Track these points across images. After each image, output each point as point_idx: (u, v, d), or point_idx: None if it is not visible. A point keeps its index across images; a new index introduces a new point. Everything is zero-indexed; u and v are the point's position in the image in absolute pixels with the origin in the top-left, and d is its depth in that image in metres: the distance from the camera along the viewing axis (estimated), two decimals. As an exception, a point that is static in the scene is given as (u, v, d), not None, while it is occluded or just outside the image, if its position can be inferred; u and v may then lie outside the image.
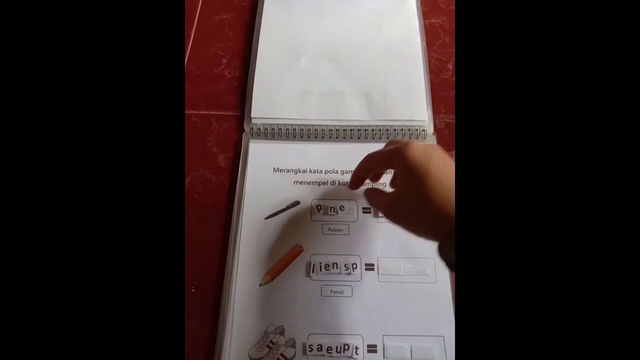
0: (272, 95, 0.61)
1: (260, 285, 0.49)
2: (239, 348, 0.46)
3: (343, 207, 0.53)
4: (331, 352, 0.45)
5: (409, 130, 0.58)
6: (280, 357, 0.46)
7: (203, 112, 0.61)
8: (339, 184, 0.55)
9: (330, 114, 0.60)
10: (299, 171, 0.56)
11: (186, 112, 0.61)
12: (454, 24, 0.69)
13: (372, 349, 0.46)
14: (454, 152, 0.41)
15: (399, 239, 0.50)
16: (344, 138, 0.59)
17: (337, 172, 0.55)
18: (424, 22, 0.69)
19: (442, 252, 0.36)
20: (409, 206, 0.39)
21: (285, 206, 0.53)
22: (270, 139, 0.58)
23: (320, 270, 0.49)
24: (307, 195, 0.54)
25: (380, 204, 0.44)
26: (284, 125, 0.59)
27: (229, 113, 0.61)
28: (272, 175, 0.56)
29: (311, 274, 0.49)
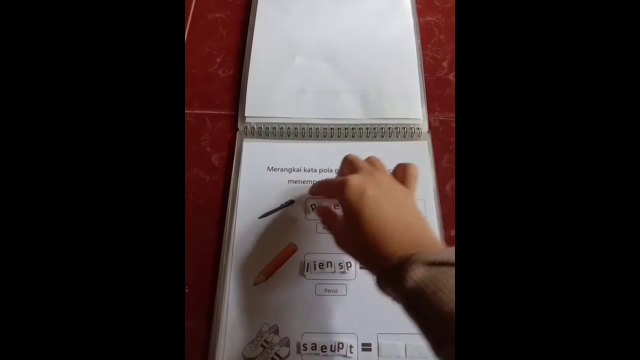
0: (266, 94, 0.61)
1: (255, 284, 0.49)
2: (233, 347, 0.46)
3: (337, 205, 0.53)
4: (325, 351, 0.45)
5: (404, 128, 0.58)
6: (275, 357, 0.45)
7: (197, 112, 0.61)
8: (334, 182, 0.55)
9: (325, 112, 0.60)
10: (294, 170, 0.56)
11: (180, 111, 0.61)
12: (449, 22, 0.69)
13: (366, 347, 0.46)
14: (404, 167, 0.44)
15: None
16: (339, 137, 0.58)
17: (331, 171, 0.55)
18: (419, 20, 0.68)
19: (379, 287, 0.37)
20: (352, 241, 0.40)
21: (279, 205, 0.53)
22: (265, 138, 0.58)
23: (315, 269, 0.49)
24: (301, 194, 0.53)
25: (331, 228, 0.45)
26: (278, 124, 0.59)
27: (222, 112, 0.61)
28: (266, 175, 0.55)
29: (305, 273, 0.49)
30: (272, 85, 0.62)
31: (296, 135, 0.58)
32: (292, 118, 0.59)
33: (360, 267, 0.48)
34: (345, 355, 0.45)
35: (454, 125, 0.60)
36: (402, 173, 0.45)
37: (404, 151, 0.57)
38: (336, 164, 0.52)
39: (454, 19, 0.69)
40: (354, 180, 0.40)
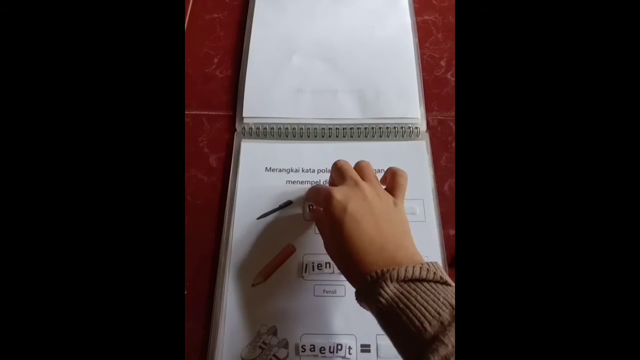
0: (264, 94, 0.61)
1: (253, 285, 0.49)
2: (232, 349, 0.46)
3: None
4: (324, 352, 0.45)
5: (402, 128, 0.58)
6: (273, 358, 0.45)
7: (194, 112, 0.61)
8: (332, 183, 0.54)
9: (322, 112, 0.60)
10: (292, 171, 0.55)
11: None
12: (446, 21, 0.68)
13: (365, 348, 0.46)
14: (393, 175, 0.45)
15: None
16: (337, 137, 0.58)
17: (329, 171, 0.55)
18: (417, 19, 0.68)
19: (357, 301, 0.39)
20: (334, 252, 0.42)
21: (277, 206, 0.53)
22: (262, 139, 0.58)
23: (313, 270, 0.49)
24: (299, 195, 0.53)
25: (321, 232, 0.46)
26: (276, 124, 0.59)
27: (220, 113, 0.61)
28: (264, 175, 0.55)
29: (304, 274, 0.49)
30: (270, 85, 0.62)
31: (294, 136, 0.58)
32: (289, 118, 0.59)
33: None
34: (344, 357, 0.45)
35: (452, 124, 0.60)
36: (391, 181, 0.45)
37: (402, 151, 0.57)
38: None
39: (451, 17, 0.69)
40: (338, 194, 0.41)
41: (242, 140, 0.58)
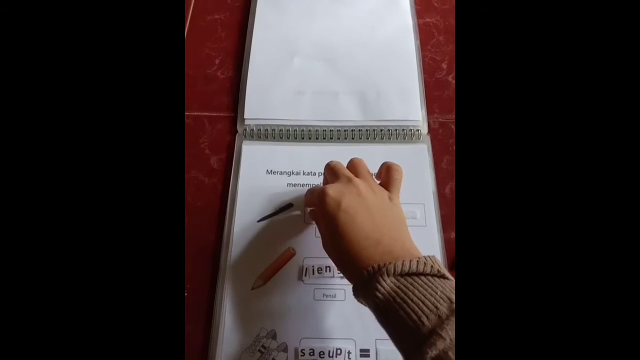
0: (265, 96, 0.61)
1: (252, 288, 0.49)
2: (231, 352, 0.46)
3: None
4: (323, 357, 0.45)
5: (403, 130, 0.58)
6: (272, 362, 0.45)
7: (195, 113, 0.61)
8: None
9: (323, 114, 0.60)
10: (292, 173, 0.55)
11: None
12: (448, 23, 0.68)
13: (364, 353, 0.46)
14: (387, 169, 0.44)
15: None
16: (338, 139, 0.58)
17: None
18: (418, 21, 0.68)
19: (354, 296, 0.39)
20: (331, 250, 0.42)
21: (278, 209, 0.53)
22: (264, 140, 0.58)
23: (313, 273, 0.49)
24: (300, 198, 0.53)
25: (321, 233, 0.45)
26: (277, 126, 0.59)
27: (221, 114, 0.61)
28: (265, 177, 0.55)
29: (304, 278, 0.49)
30: (271, 87, 0.62)
31: (295, 138, 0.58)
32: (290, 120, 0.59)
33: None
34: (343, 361, 0.45)
35: (453, 127, 0.59)
36: (386, 175, 0.45)
37: (404, 153, 0.57)
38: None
39: (452, 20, 0.68)
40: (331, 191, 0.41)
41: (244, 142, 0.58)
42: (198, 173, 0.57)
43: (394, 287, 0.34)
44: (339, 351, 0.45)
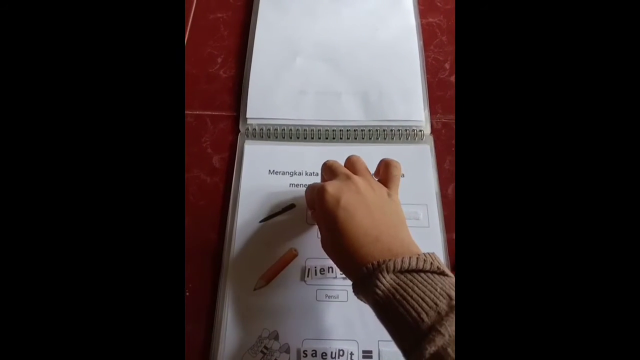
0: (267, 95, 0.61)
1: (255, 289, 0.48)
2: (233, 353, 0.46)
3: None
4: (326, 358, 0.45)
5: (406, 130, 0.58)
6: (274, 363, 0.45)
7: (198, 112, 0.61)
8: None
9: (326, 114, 0.60)
10: (295, 173, 0.55)
11: (180, 112, 0.61)
12: (450, 24, 0.68)
13: (367, 354, 0.45)
14: (386, 166, 0.44)
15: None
16: (340, 139, 0.58)
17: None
18: (421, 21, 0.68)
19: (354, 293, 0.39)
20: (330, 248, 0.42)
21: (280, 209, 0.53)
22: (266, 140, 0.58)
23: (316, 274, 0.49)
24: (302, 199, 0.53)
25: (320, 230, 0.45)
26: (280, 125, 0.58)
27: (224, 113, 0.61)
28: (267, 177, 0.55)
29: (306, 279, 0.49)
30: (274, 86, 0.61)
31: (297, 137, 0.58)
32: (293, 120, 0.59)
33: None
34: (345, 362, 0.45)
35: (456, 127, 0.59)
36: (384, 172, 0.45)
37: (406, 154, 0.56)
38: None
39: (456, 20, 0.68)
40: (330, 188, 0.40)
41: (246, 141, 0.57)
42: (200, 172, 0.56)
43: (394, 284, 0.34)
44: (341, 352, 0.45)
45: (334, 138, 0.58)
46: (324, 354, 0.45)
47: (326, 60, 0.64)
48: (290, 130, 0.58)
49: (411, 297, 0.33)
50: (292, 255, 0.50)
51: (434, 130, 0.59)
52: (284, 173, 0.55)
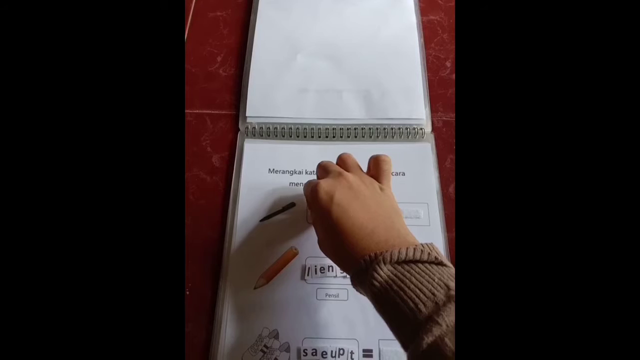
0: (267, 93, 0.61)
1: (255, 288, 0.48)
2: (233, 352, 0.45)
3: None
4: (326, 357, 0.45)
5: (407, 129, 0.58)
6: (274, 362, 0.45)
7: (197, 111, 0.61)
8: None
9: (326, 112, 0.59)
10: (295, 172, 0.55)
11: (180, 111, 0.60)
12: (452, 21, 0.68)
13: (367, 353, 0.45)
14: (376, 161, 0.45)
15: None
16: (341, 137, 0.58)
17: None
18: (422, 19, 0.68)
19: (353, 286, 0.39)
20: (326, 245, 0.42)
21: (280, 208, 0.53)
22: (266, 139, 0.58)
23: (316, 273, 0.49)
24: (302, 197, 0.53)
25: (316, 230, 0.45)
26: (280, 124, 0.58)
27: (223, 112, 0.61)
28: (267, 176, 0.55)
29: (306, 277, 0.49)
30: (274, 84, 0.61)
31: (298, 136, 0.58)
32: (293, 118, 0.59)
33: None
34: (346, 361, 0.45)
35: (457, 125, 0.59)
36: (375, 168, 0.45)
37: (407, 152, 0.56)
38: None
39: (458, 18, 0.68)
40: (323, 185, 0.41)
41: (246, 140, 0.57)
42: (200, 171, 0.56)
43: (391, 275, 0.34)
44: (341, 351, 0.45)
45: (334, 136, 0.58)
46: (324, 353, 0.45)
47: (327, 58, 0.64)
48: (291, 128, 0.58)
49: (408, 287, 0.33)
50: (293, 254, 0.50)
51: (435, 129, 0.59)
52: (284, 172, 0.55)
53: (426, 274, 0.34)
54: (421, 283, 0.33)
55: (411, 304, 0.32)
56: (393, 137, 0.58)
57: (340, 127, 0.58)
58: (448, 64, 0.64)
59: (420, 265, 0.34)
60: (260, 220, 0.52)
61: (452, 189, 0.55)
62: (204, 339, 0.47)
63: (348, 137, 0.58)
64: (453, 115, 0.60)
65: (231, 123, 0.60)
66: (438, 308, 0.31)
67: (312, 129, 0.58)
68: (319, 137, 0.58)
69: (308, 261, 0.49)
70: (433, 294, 0.32)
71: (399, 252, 0.35)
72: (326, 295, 0.48)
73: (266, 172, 0.55)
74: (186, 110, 0.61)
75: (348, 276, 0.48)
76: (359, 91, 0.61)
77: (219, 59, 0.65)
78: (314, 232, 0.50)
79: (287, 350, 0.45)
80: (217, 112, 0.61)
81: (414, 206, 0.52)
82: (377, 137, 0.58)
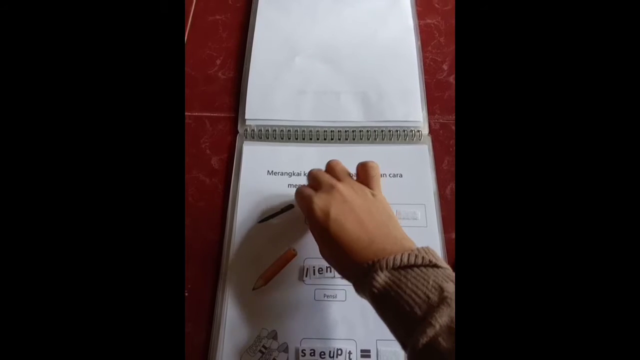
0: (266, 96, 0.61)
1: (253, 289, 0.49)
2: (232, 352, 0.46)
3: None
4: (324, 357, 0.45)
5: (404, 131, 0.58)
6: (273, 362, 0.45)
7: (197, 114, 0.61)
8: (333, 186, 0.54)
9: (325, 115, 0.60)
10: (293, 174, 0.55)
11: (180, 113, 0.61)
12: (448, 25, 0.68)
13: (365, 354, 0.46)
14: (364, 168, 0.45)
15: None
16: (339, 139, 0.58)
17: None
18: (419, 22, 0.68)
19: (356, 291, 0.40)
20: (325, 254, 0.43)
21: (279, 210, 0.53)
22: (265, 141, 0.58)
23: (314, 274, 0.49)
24: (301, 199, 0.53)
25: (315, 238, 0.45)
26: (279, 126, 0.59)
27: (222, 114, 0.61)
28: (266, 178, 0.55)
29: (305, 278, 0.49)
30: (272, 87, 0.62)
31: (296, 138, 0.58)
32: (292, 120, 0.59)
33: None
34: (344, 362, 0.45)
35: (454, 127, 0.59)
36: (362, 174, 0.46)
37: (405, 154, 0.57)
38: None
39: (453, 21, 0.68)
40: (318, 201, 0.42)
41: (244, 142, 0.58)
42: (199, 173, 0.57)
43: (389, 280, 0.36)
44: (339, 351, 0.45)
45: (332, 139, 0.58)
46: (322, 353, 0.45)
47: (325, 60, 0.64)
48: (289, 130, 0.58)
49: (404, 292, 0.34)
50: (291, 255, 0.50)
51: (432, 131, 0.59)
52: (282, 174, 0.55)
53: (421, 277, 0.35)
54: (416, 287, 0.34)
55: (407, 307, 0.34)
56: (390, 139, 0.58)
57: (338, 129, 0.59)
58: (445, 66, 0.65)
59: (415, 269, 0.36)
60: (259, 222, 0.52)
61: (449, 190, 0.55)
62: (204, 340, 0.47)
63: (346, 139, 0.58)
64: (450, 117, 0.60)
65: (230, 125, 0.60)
66: (432, 310, 0.32)
67: (311, 131, 0.58)
68: (317, 139, 0.58)
69: (306, 262, 0.50)
70: (427, 296, 0.33)
71: (394, 258, 0.36)
72: (324, 296, 0.48)
73: (265, 174, 0.55)
74: (186, 113, 0.61)
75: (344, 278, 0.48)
76: (357, 93, 0.61)
77: (218, 62, 0.66)
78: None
79: (286, 350, 0.46)
80: (216, 114, 0.61)
81: (412, 207, 0.52)
82: (375, 139, 0.58)
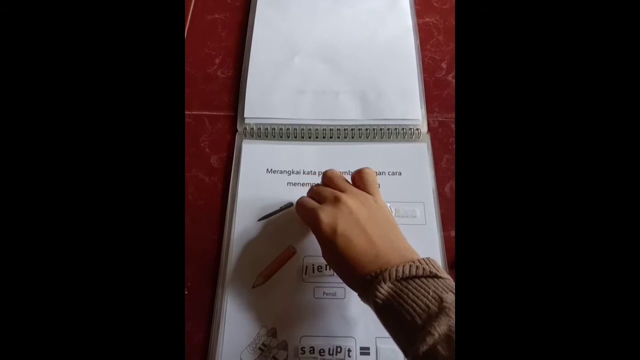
0: (265, 95, 0.61)
1: (253, 287, 0.49)
2: (232, 350, 0.46)
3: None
4: (324, 355, 0.45)
5: (403, 129, 0.58)
6: (272, 360, 0.45)
7: (196, 113, 0.61)
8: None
9: (324, 113, 0.60)
10: (293, 172, 0.55)
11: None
12: (447, 23, 0.68)
13: (364, 351, 0.46)
14: (360, 175, 0.46)
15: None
16: (338, 138, 0.58)
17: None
18: (418, 21, 0.68)
19: (360, 297, 0.41)
20: (331, 264, 0.44)
21: (278, 208, 0.53)
22: (264, 139, 0.58)
23: (313, 272, 0.49)
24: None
25: (320, 245, 0.46)
26: (278, 125, 0.59)
27: (222, 113, 0.61)
28: (265, 177, 0.55)
29: (304, 276, 0.49)
30: (271, 86, 0.62)
31: (295, 137, 0.58)
32: (291, 119, 0.59)
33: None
34: (343, 359, 0.45)
35: (453, 126, 0.60)
36: (359, 181, 0.46)
37: (403, 152, 0.57)
38: (335, 166, 0.52)
39: (452, 20, 0.69)
40: (324, 217, 0.42)
41: (244, 141, 0.58)
42: (198, 172, 0.57)
43: (391, 291, 0.37)
44: (339, 349, 0.46)
45: (331, 137, 0.58)
46: (321, 351, 0.45)
47: (324, 59, 0.64)
48: (288, 129, 0.58)
49: (406, 302, 0.36)
50: (290, 253, 0.50)
51: (430, 129, 0.59)
52: (281, 172, 0.56)
53: (422, 288, 0.36)
54: (417, 297, 0.35)
55: (408, 317, 0.35)
56: (389, 137, 0.58)
57: (337, 127, 0.59)
58: (444, 65, 0.65)
59: (417, 280, 0.37)
60: (259, 220, 0.52)
61: (447, 188, 0.55)
62: (203, 338, 0.47)
63: (345, 137, 0.58)
64: (449, 115, 0.60)
65: (229, 124, 0.60)
66: (431, 319, 0.34)
67: (310, 129, 0.59)
68: (316, 137, 0.58)
69: (306, 260, 0.50)
70: (427, 306, 0.35)
71: (397, 270, 0.37)
72: (324, 293, 0.48)
73: (264, 173, 0.56)
74: (185, 112, 0.61)
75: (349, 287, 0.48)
76: (356, 92, 0.61)
77: (217, 61, 0.66)
78: (312, 232, 0.51)
79: (285, 348, 0.46)
80: (215, 113, 0.61)
81: (411, 205, 0.53)
82: (374, 137, 0.58)
